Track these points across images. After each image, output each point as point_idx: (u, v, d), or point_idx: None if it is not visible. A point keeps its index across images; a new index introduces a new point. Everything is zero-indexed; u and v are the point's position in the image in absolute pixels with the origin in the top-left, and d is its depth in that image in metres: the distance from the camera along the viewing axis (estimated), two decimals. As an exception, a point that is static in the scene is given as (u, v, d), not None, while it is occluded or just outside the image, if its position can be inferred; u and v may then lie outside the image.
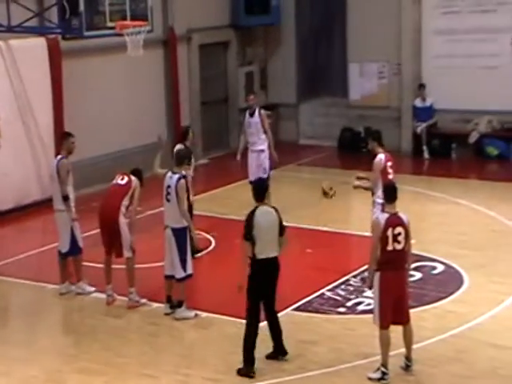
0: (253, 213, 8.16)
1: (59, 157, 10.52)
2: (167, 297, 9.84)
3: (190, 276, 9.69)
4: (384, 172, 10.36)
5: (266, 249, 8.15)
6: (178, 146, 11.30)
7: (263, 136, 13.19)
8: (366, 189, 10.61)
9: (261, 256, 8.12)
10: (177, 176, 9.50)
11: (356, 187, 10.76)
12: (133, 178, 10.14)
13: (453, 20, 17.34)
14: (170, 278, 9.74)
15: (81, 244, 10.53)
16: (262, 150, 13.22)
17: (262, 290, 8.25)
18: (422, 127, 17.48)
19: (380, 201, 10.32)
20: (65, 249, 10.50)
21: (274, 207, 8.36)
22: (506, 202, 13.94)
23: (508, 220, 12.89)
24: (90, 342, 9.17)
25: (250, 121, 13.23)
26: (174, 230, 9.52)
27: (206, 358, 8.64)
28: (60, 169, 10.33)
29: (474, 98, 16.77)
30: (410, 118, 17.82)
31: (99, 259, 10.42)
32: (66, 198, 10.34)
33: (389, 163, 10.45)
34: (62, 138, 10.72)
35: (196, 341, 9.22)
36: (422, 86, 17.60)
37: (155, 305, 10.05)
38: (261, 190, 8.38)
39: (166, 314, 9.74)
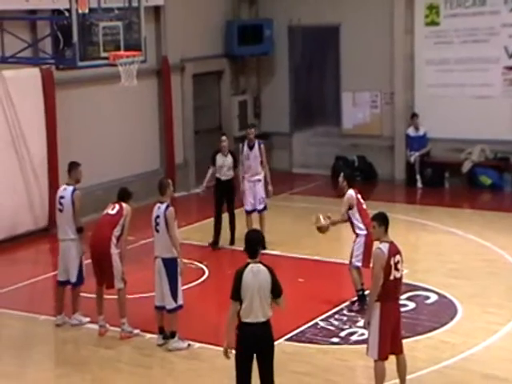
0: (242, 270, 7.27)
1: (71, 188, 10.42)
2: (159, 328, 9.78)
3: (180, 307, 9.66)
4: (359, 204, 10.66)
5: (253, 312, 7.23)
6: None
7: (260, 168, 13.38)
8: (341, 222, 10.84)
9: (246, 319, 7.24)
10: (164, 205, 9.53)
11: (326, 227, 10.81)
12: (124, 205, 10.09)
13: (445, 50, 17.47)
14: (160, 308, 9.70)
15: (84, 275, 10.49)
16: (259, 180, 13.41)
17: (249, 360, 7.30)
18: (415, 156, 17.53)
19: (363, 232, 10.42)
20: (74, 279, 10.41)
21: (268, 266, 7.37)
22: (499, 231, 13.95)
23: (501, 249, 12.89)
24: (81, 373, 9.11)
25: (248, 153, 13.36)
26: (164, 260, 9.51)
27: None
28: (75, 200, 10.31)
29: (467, 128, 16.86)
30: (403, 147, 17.88)
31: (90, 289, 10.37)
32: (80, 230, 10.33)
33: (359, 195, 10.79)
34: (71, 167, 10.59)
35: (188, 372, 9.15)
36: (414, 115, 17.68)
37: (148, 335, 10.00)
38: (254, 244, 7.37)
39: (159, 345, 9.69)
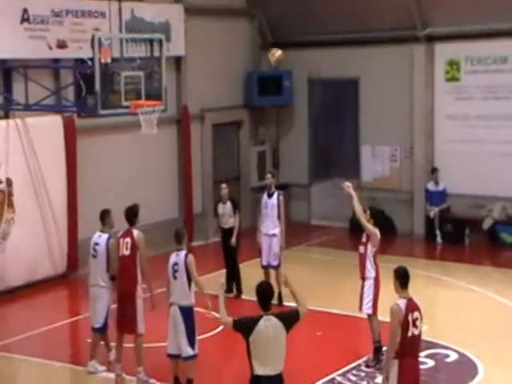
0: (257, 321, 7.17)
1: (106, 235, 10.46)
2: (175, 378, 9.68)
3: (196, 356, 9.59)
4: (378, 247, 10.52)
5: (266, 365, 7.14)
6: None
7: (277, 220, 13.18)
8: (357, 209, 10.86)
9: (259, 372, 7.14)
10: (183, 252, 9.60)
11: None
12: (135, 234, 10.12)
13: (465, 106, 17.50)
14: (175, 357, 9.62)
15: (109, 322, 10.47)
16: (275, 235, 13.19)
17: None
18: (434, 211, 17.44)
19: (372, 275, 10.31)
20: (98, 324, 10.41)
21: (279, 316, 7.25)
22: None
23: (522, 308, 12.74)
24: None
25: (267, 201, 13.26)
26: (182, 308, 9.50)
27: None
28: (111, 249, 10.34)
29: (488, 184, 16.78)
30: (422, 201, 17.81)
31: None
32: (113, 278, 10.36)
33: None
34: (104, 214, 10.66)
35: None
36: (434, 170, 17.65)
37: (164, 386, 9.88)
38: (266, 297, 7.29)
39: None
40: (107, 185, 15.66)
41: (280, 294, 12.75)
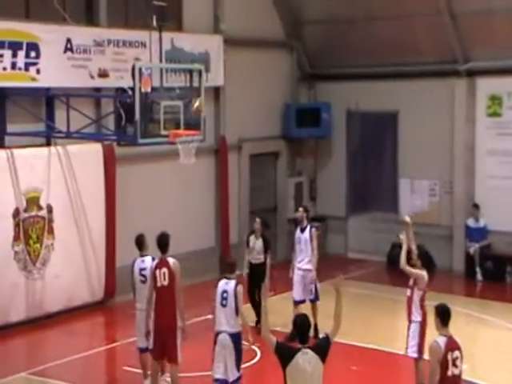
0: (295, 352, 7.17)
1: (149, 258, 10.50)
2: None
3: (241, 377, 9.82)
4: (425, 290, 10.38)
5: None
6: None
7: (311, 254, 13.00)
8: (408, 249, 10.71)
9: None
10: (234, 281, 9.80)
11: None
12: (171, 263, 10.09)
13: (507, 141, 17.26)
14: (221, 382, 9.78)
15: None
16: (310, 270, 13.00)
17: None
18: (474, 248, 17.19)
19: (418, 319, 10.13)
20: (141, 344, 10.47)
21: (316, 350, 7.22)
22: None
23: None
24: None
25: (300, 236, 13.12)
26: (231, 335, 9.69)
27: None
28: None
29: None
30: (462, 237, 17.57)
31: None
32: None
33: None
34: (142, 239, 10.73)
35: None
36: (475, 206, 17.41)
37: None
38: (304, 330, 7.29)
39: None
40: (145, 213, 15.71)
41: (316, 326, 12.64)
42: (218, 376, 9.77)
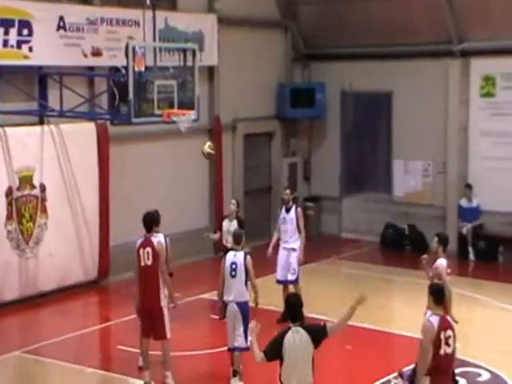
0: (284, 334, 7.20)
1: (161, 234, 10.35)
2: (234, 371, 10.21)
3: (249, 348, 9.91)
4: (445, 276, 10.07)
5: (296, 377, 7.18)
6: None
7: (297, 234, 12.92)
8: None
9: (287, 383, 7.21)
10: (242, 253, 10.25)
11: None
12: (155, 243, 9.99)
13: (501, 122, 17.27)
14: (233, 350, 10.22)
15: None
16: (294, 249, 12.92)
17: None
18: (467, 228, 17.24)
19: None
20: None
21: (307, 328, 7.27)
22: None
23: None
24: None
25: (285, 216, 13.02)
26: (240, 304, 10.14)
27: None
28: (168, 246, 10.37)
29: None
30: (455, 217, 17.61)
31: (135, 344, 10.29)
32: (171, 275, 10.47)
33: (448, 270, 10.20)
34: (156, 216, 10.50)
35: None
36: (468, 187, 17.45)
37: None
38: (295, 309, 7.34)
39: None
40: (139, 192, 15.69)
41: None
42: (230, 345, 10.23)
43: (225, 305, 10.26)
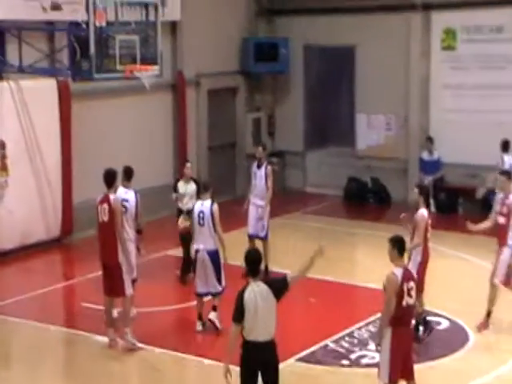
0: (243, 291, 7.28)
1: (132, 190, 10.53)
2: (199, 314, 10.56)
3: (223, 290, 10.53)
4: (425, 230, 10.23)
5: (257, 330, 7.23)
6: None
7: (265, 191, 13.08)
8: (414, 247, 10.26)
9: (250, 338, 7.25)
10: (209, 201, 10.51)
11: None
12: (112, 200, 9.97)
13: (461, 75, 17.42)
14: (201, 295, 10.59)
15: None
16: (262, 206, 13.10)
17: (253, 378, 7.30)
18: (428, 180, 17.43)
19: (419, 259, 10.19)
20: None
21: (267, 281, 7.41)
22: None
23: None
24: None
25: (256, 171, 13.24)
26: (209, 252, 10.45)
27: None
28: (139, 202, 10.58)
29: (482, 153, 16.70)
30: (416, 170, 17.80)
31: (100, 301, 10.35)
32: (140, 232, 10.72)
33: (429, 221, 10.27)
34: (130, 171, 10.79)
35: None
36: (429, 139, 17.61)
37: (158, 350, 9.93)
38: (254, 264, 7.42)
39: (198, 332, 10.44)
40: (102, 149, 15.60)
41: (267, 266, 12.79)
42: (198, 290, 10.55)
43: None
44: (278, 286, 7.38)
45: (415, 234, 10.32)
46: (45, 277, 13.13)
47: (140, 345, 9.97)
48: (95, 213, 10.12)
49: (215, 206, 10.46)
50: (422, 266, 10.29)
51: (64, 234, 14.91)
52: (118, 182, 10.39)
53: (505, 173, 11.32)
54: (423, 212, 10.23)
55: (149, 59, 15.47)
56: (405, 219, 10.35)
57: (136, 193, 10.54)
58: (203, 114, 18.20)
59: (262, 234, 13.13)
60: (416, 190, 10.49)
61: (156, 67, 14.78)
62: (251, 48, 18.87)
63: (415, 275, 9.53)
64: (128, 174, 10.78)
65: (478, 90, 17.27)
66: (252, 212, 13.20)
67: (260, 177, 13.13)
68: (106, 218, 9.95)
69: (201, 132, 18.14)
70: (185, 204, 12.68)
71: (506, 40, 16.99)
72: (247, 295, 7.23)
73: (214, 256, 10.46)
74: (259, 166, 13.20)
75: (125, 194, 10.51)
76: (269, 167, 13.24)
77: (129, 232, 10.38)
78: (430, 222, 10.40)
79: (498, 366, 9.53)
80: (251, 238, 13.17)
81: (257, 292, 7.24)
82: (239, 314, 7.21)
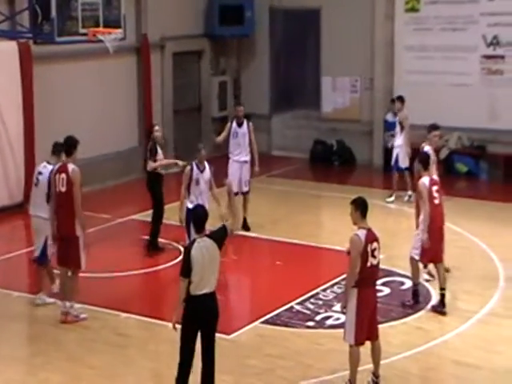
0: (190, 247, 7.49)
1: (51, 167, 10.01)
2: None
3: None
4: (430, 197, 10.10)
5: (202, 285, 7.45)
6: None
7: (248, 148, 13.43)
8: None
9: (195, 292, 7.45)
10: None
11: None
12: (70, 169, 9.61)
13: (424, 37, 17.48)
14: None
15: (49, 254, 10.31)
16: (246, 162, 13.45)
17: (194, 332, 7.53)
18: (392, 142, 17.54)
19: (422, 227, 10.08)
20: (36, 253, 10.33)
21: (212, 236, 7.57)
22: (474, 219, 14.04)
23: (474, 237, 12.98)
24: (56, 352, 9.04)
25: (237, 131, 13.39)
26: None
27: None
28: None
29: (445, 115, 16.76)
30: (381, 132, 17.91)
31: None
32: None
33: (434, 187, 10.20)
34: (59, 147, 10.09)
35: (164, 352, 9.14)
36: (393, 101, 17.63)
37: (123, 315, 9.96)
38: (201, 220, 7.64)
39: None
40: (65, 114, 15.45)
41: (245, 219, 13.06)
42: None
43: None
44: (220, 236, 7.66)
45: (420, 204, 10.28)
46: (7, 243, 13.01)
47: (83, 315, 9.79)
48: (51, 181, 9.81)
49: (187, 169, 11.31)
50: (436, 234, 10.14)
51: (27, 199, 14.71)
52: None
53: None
54: (424, 180, 10.18)
55: (112, 22, 15.31)
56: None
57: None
58: (168, 77, 18.07)
59: (246, 189, 13.45)
60: (417, 159, 10.54)
61: (119, 30, 14.64)
62: (216, 10, 18.73)
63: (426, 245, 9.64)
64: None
65: (441, 51, 17.38)
66: (236, 170, 13.34)
67: (243, 134, 13.39)
68: (63, 189, 9.62)
69: (166, 96, 18.03)
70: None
71: (468, 1, 17.09)
72: (194, 251, 7.46)
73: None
74: (240, 125, 13.40)
75: (42, 168, 10.20)
76: (250, 123, 13.55)
77: (43, 208, 10.05)
78: (435, 188, 10.20)
79: (459, 325, 9.69)
80: (236, 195, 13.25)
81: (203, 247, 7.49)
82: (187, 269, 7.42)
